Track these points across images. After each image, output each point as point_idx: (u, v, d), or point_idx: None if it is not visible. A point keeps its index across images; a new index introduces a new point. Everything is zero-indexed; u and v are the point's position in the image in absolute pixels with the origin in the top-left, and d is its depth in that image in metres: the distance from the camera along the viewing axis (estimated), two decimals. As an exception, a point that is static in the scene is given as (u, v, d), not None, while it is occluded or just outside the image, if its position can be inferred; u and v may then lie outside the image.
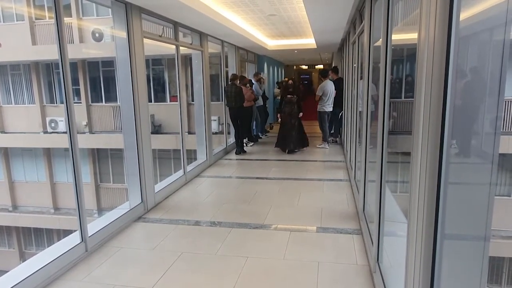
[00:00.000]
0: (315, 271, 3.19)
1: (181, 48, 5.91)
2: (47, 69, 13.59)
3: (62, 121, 12.82)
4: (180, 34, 5.96)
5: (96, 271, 3.28)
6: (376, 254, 2.95)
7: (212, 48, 7.73)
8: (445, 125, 1.50)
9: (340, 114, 9.13)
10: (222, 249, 3.66)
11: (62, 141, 12.50)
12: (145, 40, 4.67)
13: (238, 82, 8.14)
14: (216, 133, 10.11)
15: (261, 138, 10.39)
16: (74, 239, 3.53)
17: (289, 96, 8.28)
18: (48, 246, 3.97)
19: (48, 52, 12.41)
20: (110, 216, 4.20)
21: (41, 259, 3.19)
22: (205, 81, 7.04)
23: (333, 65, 11.74)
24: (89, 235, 3.58)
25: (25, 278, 2.89)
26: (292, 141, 8.18)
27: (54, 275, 3.14)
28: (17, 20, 13.42)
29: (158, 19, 5.22)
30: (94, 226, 3.83)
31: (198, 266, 3.35)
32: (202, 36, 6.88)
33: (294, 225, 4.26)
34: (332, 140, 9.33)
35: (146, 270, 3.29)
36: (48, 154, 13.81)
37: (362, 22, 4.57)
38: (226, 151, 8.55)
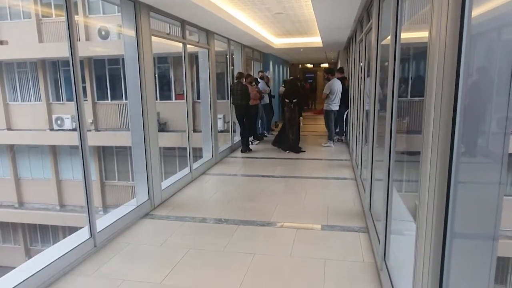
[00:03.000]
0: (322, 268, 3.21)
1: (188, 46, 5.94)
2: (54, 67, 13.66)
3: (68, 118, 12.89)
4: (187, 33, 5.98)
5: (104, 266, 3.32)
6: (383, 252, 2.96)
7: (219, 46, 7.75)
8: (455, 124, 1.50)
9: (346, 112, 9.13)
10: (229, 245, 3.68)
11: (68, 139, 12.59)
12: (152, 38, 4.69)
13: (244, 80, 8.16)
14: (221, 131, 10.13)
15: (266, 136, 10.41)
16: (83, 234, 3.56)
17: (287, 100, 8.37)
18: (53, 243, 4.01)
19: (55, 49, 12.48)
20: (118, 213, 4.23)
21: (51, 254, 3.22)
22: (211, 79, 7.05)
23: (339, 65, 11.71)
24: (97, 231, 3.61)
25: (36, 273, 2.92)
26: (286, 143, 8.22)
27: (64, 270, 3.18)
28: (24, 18, 13.51)
29: (166, 17, 5.25)
30: (102, 222, 3.87)
31: (206, 262, 3.38)
32: (208, 34, 6.90)
33: (301, 222, 4.27)
34: (338, 139, 9.33)
35: (154, 266, 3.32)
36: (54, 151, 13.89)
37: (369, 20, 4.56)
38: (232, 149, 8.57)
